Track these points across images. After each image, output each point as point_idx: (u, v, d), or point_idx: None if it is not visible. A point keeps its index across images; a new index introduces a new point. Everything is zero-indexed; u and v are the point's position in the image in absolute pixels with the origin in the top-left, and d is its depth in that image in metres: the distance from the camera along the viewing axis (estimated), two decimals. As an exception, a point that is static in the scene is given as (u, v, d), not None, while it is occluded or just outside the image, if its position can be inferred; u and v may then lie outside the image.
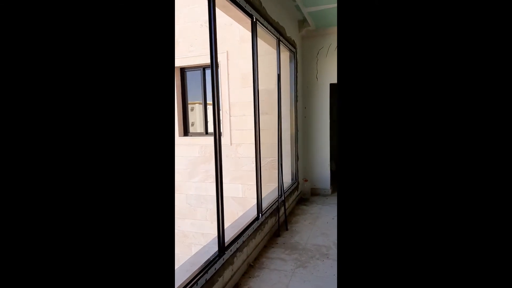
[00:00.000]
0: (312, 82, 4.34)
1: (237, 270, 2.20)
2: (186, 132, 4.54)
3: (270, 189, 3.48)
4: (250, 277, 2.26)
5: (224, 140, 4.10)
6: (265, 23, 2.79)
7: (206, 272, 1.78)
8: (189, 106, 4.58)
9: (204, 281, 1.74)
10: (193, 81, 4.50)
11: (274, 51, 3.31)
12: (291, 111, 3.99)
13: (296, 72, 4.04)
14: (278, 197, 3.21)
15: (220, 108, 4.10)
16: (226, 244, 2.07)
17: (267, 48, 3.43)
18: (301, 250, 2.66)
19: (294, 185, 3.99)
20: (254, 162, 2.76)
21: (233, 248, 2.14)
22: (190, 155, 4.35)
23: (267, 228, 2.88)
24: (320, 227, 3.18)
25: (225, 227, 2.07)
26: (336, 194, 4.40)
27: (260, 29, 2.72)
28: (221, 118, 4.08)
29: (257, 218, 2.68)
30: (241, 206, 4.10)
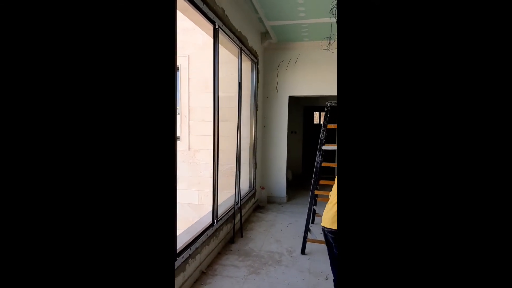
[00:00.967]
0: (272, 93, 4.48)
1: (188, 277, 2.14)
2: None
3: (227, 196, 3.47)
4: (202, 284, 2.21)
5: (182, 145, 4.01)
6: (228, 31, 2.84)
7: (155, 279, 1.70)
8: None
9: (152, 290, 1.67)
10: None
11: (236, 59, 3.37)
12: (251, 119, 4.06)
13: (257, 82, 4.14)
14: (234, 204, 3.21)
15: (179, 112, 4.03)
16: (178, 251, 2.01)
17: (229, 56, 3.48)
18: (255, 257, 2.68)
19: (251, 193, 4.03)
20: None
21: (185, 254, 2.08)
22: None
23: (222, 234, 2.86)
24: (274, 235, 3.23)
25: (178, 233, 2.01)
26: (290, 202, 4.52)
27: (222, 36, 2.76)
28: (179, 123, 3.99)
29: (212, 225, 2.65)
30: (197, 213, 4.01)
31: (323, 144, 2.86)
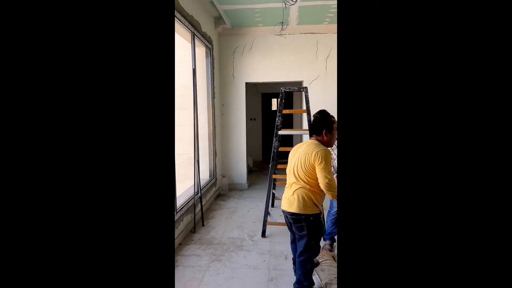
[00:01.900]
0: (229, 80, 4.42)
1: (147, 272, 2.08)
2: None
3: (187, 187, 3.40)
4: (162, 278, 2.17)
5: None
6: (178, 15, 2.71)
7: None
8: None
9: None
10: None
11: (189, 45, 3.24)
12: (208, 107, 3.98)
13: (213, 68, 4.05)
14: (194, 194, 3.17)
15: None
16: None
17: (182, 42, 3.33)
18: (217, 245, 2.70)
19: (212, 181, 4.00)
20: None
21: (143, 249, 2.02)
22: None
23: (182, 225, 2.82)
24: (236, 221, 3.27)
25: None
26: (251, 188, 4.59)
27: (172, 20, 2.62)
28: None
29: (171, 217, 2.59)
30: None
31: (279, 130, 2.91)
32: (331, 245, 2.51)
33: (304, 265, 1.86)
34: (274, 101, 6.64)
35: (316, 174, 1.74)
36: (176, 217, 2.65)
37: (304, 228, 1.81)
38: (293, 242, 2.00)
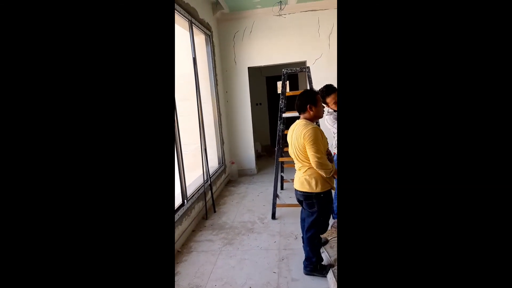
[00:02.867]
0: (231, 66, 4.38)
1: (162, 258, 2.17)
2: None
3: (197, 175, 3.47)
4: (178, 263, 2.27)
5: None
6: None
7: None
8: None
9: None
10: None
11: (187, 33, 3.22)
12: (212, 95, 3.99)
13: (214, 55, 4.02)
14: (204, 182, 3.24)
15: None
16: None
17: (180, 31, 3.31)
18: (228, 229, 2.77)
19: (222, 168, 4.06)
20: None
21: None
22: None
23: (194, 213, 2.90)
24: (246, 205, 3.34)
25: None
26: (260, 173, 4.64)
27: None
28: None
29: (182, 205, 2.66)
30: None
31: (284, 112, 2.90)
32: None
33: (312, 240, 1.90)
34: (279, 84, 6.56)
35: None
36: (187, 206, 2.72)
37: (315, 204, 1.84)
38: (303, 220, 2.04)
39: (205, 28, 3.69)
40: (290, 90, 2.85)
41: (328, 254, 2.05)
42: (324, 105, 2.39)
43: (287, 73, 2.94)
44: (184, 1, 2.96)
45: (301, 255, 2.14)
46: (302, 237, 2.12)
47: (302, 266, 2.02)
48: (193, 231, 2.79)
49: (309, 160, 1.77)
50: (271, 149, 6.07)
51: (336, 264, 1.93)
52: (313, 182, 1.79)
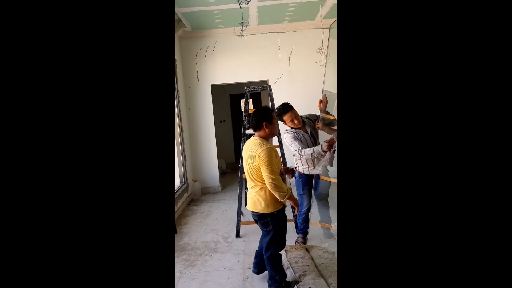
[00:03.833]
0: (193, 82, 4.36)
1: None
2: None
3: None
4: (133, 290, 2.09)
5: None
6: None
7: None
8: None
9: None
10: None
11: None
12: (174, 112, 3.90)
13: (176, 72, 3.97)
14: (164, 201, 3.09)
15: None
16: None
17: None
18: (190, 250, 2.64)
19: (183, 187, 3.92)
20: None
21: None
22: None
23: (153, 235, 2.73)
24: (210, 224, 3.23)
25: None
26: (225, 190, 4.56)
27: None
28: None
29: (140, 226, 2.50)
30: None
31: (247, 129, 2.92)
32: (304, 238, 2.55)
33: (272, 259, 1.87)
34: (243, 102, 6.64)
35: None
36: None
37: (270, 223, 1.83)
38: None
39: (167, 44, 3.65)
40: (253, 107, 2.90)
41: (293, 270, 2.04)
42: (282, 122, 2.46)
43: (249, 91, 3.00)
44: (144, 17, 2.92)
45: (266, 273, 2.09)
46: (257, 251, 2.10)
47: (267, 284, 1.98)
48: (152, 254, 2.62)
49: (262, 180, 1.76)
50: (236, 165, 6.03)
51: (301, 280, 1.91)
52: (265, 202, 1.78)
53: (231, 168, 5.95)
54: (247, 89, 2.99)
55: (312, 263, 2.12)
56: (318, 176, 2.40)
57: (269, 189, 1.73)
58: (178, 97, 4.00)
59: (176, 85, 3.92)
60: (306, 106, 3.10)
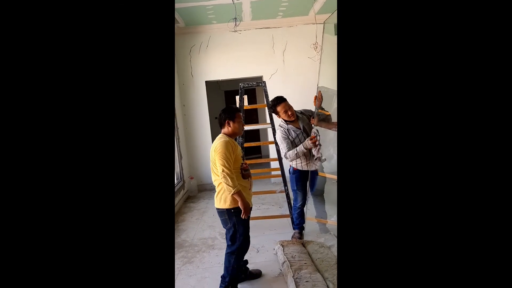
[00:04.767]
0: (188, 79, 4.33)
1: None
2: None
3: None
4: None
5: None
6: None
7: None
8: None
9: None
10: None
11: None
12: (168, 109, 3.88)
13: (170, 69, 3.95)
14: (161, 198, 3.09)
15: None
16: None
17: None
18: (188, 247, 2.66)
19: (180, 184, 3.92)
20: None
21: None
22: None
23: (150, 232, 2.73)
24: (207, 221, 3.25)
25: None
26: (222, 186, 4.56)
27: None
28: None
29: (137, 225, 2.50)
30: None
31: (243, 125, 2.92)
32: (300, 233, 2.58)
33: (228, 259, 1.86)
34: (238, 98, 6.62)
35: None
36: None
37: (228, 221, 1.82)
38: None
39: (160, 41, 3.62)
40: (248, 104, 2.91)
41: (290, 265, 2.06)
42: (275, 115, 2.47)
43: (244, 87, 3.00)
44: (137, 13, 2.88)
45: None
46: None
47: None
48: (149, 252, 2.62)
49: None
50: (231, 162, 6.04)
51: (298, 274, 1.94)
52: (223, 197, 1.77)
53: (227, 164, 5.95)
54: (241, 85, 2.99)
55: (308, 258, 2.15)
56: (316, 172, 2.41)
57: (220, 178, 1.70)
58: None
59: (170, 82, 3.90)
60: (300, 101, 3.11)
